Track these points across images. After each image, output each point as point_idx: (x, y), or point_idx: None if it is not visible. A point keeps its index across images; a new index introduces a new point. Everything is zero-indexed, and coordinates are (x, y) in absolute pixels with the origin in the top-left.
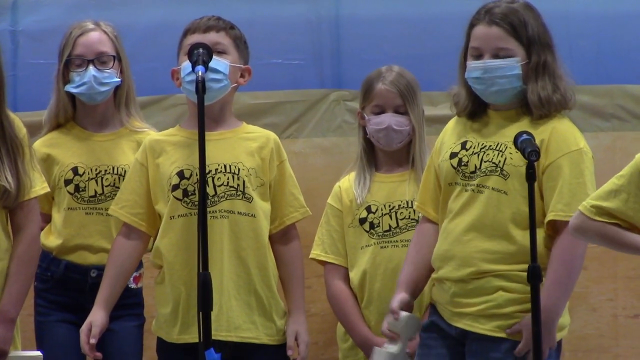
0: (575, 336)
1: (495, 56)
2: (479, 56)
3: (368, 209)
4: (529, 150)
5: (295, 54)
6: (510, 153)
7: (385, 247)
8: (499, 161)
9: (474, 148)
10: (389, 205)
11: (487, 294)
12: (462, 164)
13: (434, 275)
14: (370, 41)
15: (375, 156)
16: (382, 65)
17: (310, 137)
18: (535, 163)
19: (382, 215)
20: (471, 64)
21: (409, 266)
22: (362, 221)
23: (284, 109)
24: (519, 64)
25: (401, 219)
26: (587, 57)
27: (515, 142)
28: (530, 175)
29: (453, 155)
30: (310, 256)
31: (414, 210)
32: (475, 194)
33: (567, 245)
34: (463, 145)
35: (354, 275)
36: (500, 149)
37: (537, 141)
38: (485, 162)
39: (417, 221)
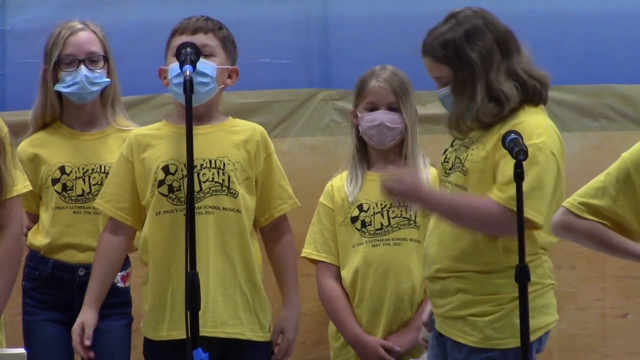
0: (564, 336)
1: (444, 85)
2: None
3: (360, 208)
4: (517, 149)
5: (284, 53)
6: (472, 149)
7: (377, 245)
8: (463, 157)
9: (456, 145)
10: (381, 204)
11: (450, 296)
12: (446, 160)
13: None
14: (358, 41)
15: (367, 155)
16: (371, 64)
17: (298, 136)
18: (492, 160)
19: (374, 213)
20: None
21: None
22: (354, 220)
23: (272, 109)
24: (449, 89)
25: (393, 218)
26: (576, 56)
27: (503, 141)
28: (519, 175)
29: (444, 151)
30: (302, 255)
31: (406, 209)
32: (447, 190)
33: (491, 205)
34: (451, 143)
35: (346, 274)
36: (467, 145)
37: (498, 138)
38: (456, 158)
39: (408, 220)
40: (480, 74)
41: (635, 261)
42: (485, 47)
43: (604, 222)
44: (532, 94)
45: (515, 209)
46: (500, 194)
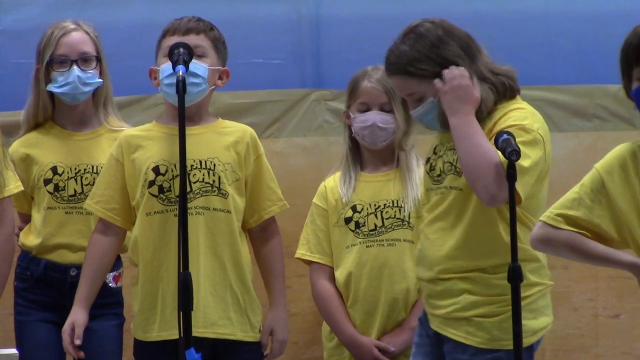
0: (557, 336)
1: (417, 102)
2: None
3: (353, 209)
4: (510, 150)
5: (276, 53)
6: None
7: (370, 246)
8: (454, 159)
9: (440, 152)
10: (375, 205)
11: (453, 297)
12: (432, 168)
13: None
14: (351, 41)
15: (360, 156)
16: (363, 64)
17: (291, 136)
18: None
19: (368, 214)
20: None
21: None
22: (348, 220)
23: (264, 109)
24: (435, 102)
25: (386, 219)
26: (568, 56)
27: (496, 141)
28: (511, 175)
29: (427, 160)
30: (296, 256)
31: (400, 210)
32: (440, 195)
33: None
34: (434, 150)
35: (340, 275)
36: (454, 148)
37: (486, 129)
38: (445, 163)
39: (402, 220)
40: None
41: (617, 268)
42: (453, 53)
43: (582, 232)
44: (504, 91)
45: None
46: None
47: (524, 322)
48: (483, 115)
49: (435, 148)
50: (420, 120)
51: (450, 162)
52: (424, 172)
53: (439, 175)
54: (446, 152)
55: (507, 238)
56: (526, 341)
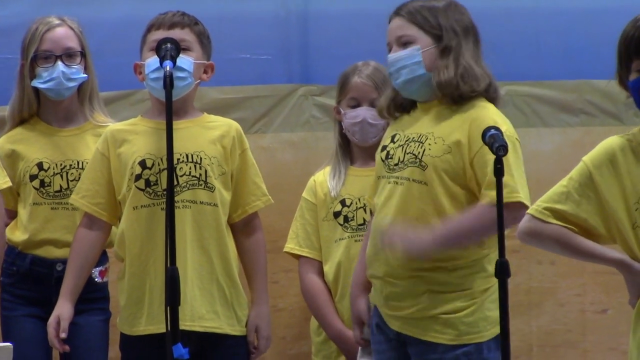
0: (544, 331)
1: (402, 45)
2: (389, 51)
3: (342, 203)
4: (497, 145)
5: (264, 49)
6: (429, 144)
7: (359, 240)
8: (419, 152)
9: (400, 141)
10: (364, 199)
11: (416, 297)
12: (389, 156)
13: (367, 274)
14: (338, 36)
15: (350, 151)
16: (351, 60)
17: (278, 132)
18: (460, 155)
19: (357, 209)
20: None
21: (362, 266)
22: (337, 215)
23: (252, 104)
24: (420, 51)
25: None
26: (556, 52)
27: (483, 137)
28: (499, 171)
29: (383, 148)
30: (285, 249)
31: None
32: (397, 186)
33: (485, 210)
34: (392, 139)
35: (329, 269)
36: (421, 140)
37: (459, 132)
38: (407, 154)
39: None
40: (459, 46)
41: (603, 264)
42: (464, 24)
43: (570, 226)
44: (492, 89)
45: (510, 199)
46: (491, 193)
47: (487, 313)
48: (478, 90)
49: (393, 137)
50: (390, 68)
51: (413, 154)
52: (378, 159)
53: (396, 164)
54: (408, 143)
55: None
56: (493, 332)
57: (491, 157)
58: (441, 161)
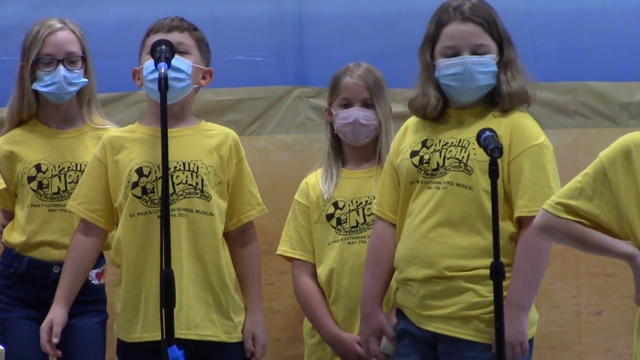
0: (539, 333)
1: (474, 53)
2: (454, 55)
3: (335, 205)
4: (492, 147)
5: (259, 50)
6: (474, 149)
7: (352, 242)
8: (463, 157)
9: (436, 145)
10: (356, 201)
11: (456, 295)
12: (424, 161)
13: (397, 277)
14: (333, 38)
15: (342, 152)
16: (346, 62)
17: (273, 133)
18: (499, 160)
19: (350, 211)
20: (446, 61)
21: (375, 280)
22: (329, 217)
23: (246, 106)
24: (495, 60)
25: (368, 215)
26: (550, 53)
27: (478, 138)
28: (493, 172)
29: (414, 153)
30: (277, 252)
31: None
32: (440, 190)
33: (532, 241)
34: (424, 144)
35: (322, 272)
36: (463, 145)
37: (503, 138)
38: (448, 158)
39: None
40: (516, 57)
41: (616, 258)
42: (507, 31)
43: (582, 221)
44: (531, 93)
45: (551, 211)
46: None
47: (495, 318)
48: (529, 101)
49: (424, 142)
50: (464, 70)
51: (456, 159)
52: (408, 166)
53: (435, 169)
54: (447, 147)
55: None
56: (530, 332)
57: (527, 166)
58: (487, 165)
